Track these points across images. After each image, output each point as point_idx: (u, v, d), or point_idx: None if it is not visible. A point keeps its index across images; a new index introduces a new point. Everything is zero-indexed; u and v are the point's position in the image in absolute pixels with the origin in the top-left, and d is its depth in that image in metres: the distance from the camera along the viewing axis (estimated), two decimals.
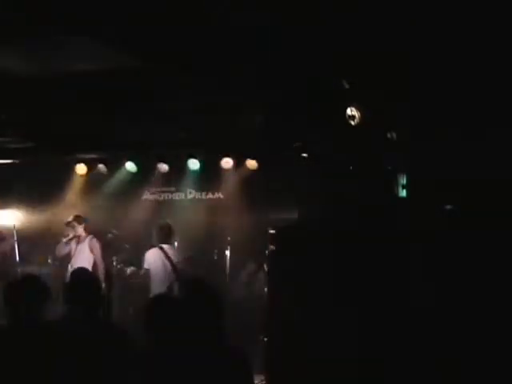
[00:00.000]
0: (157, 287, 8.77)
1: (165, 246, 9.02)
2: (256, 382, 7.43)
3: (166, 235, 9.10)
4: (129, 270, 10.25)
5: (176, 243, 10.02)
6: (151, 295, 8.75)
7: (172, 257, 8.98)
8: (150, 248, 9.05)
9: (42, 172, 10.70)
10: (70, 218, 9.49)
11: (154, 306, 3.99)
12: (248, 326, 8.03)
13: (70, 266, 9.28)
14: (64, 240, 9.51)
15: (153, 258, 8.93)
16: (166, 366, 3.60)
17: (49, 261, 9.91)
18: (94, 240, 9.50)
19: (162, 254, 8.94)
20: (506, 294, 4.57)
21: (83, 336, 4.10)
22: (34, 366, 3.91)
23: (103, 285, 8.67)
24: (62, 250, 9.57)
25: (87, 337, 4.10)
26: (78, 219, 9.52)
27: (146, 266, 8.93)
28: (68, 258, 9.49)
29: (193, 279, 4.97)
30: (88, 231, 9.56)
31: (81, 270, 5.23)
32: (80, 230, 9.50)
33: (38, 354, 3.94)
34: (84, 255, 9.34)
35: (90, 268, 9.07)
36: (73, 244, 9.51)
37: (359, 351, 4.87)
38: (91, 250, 9.44)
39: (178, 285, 8.68)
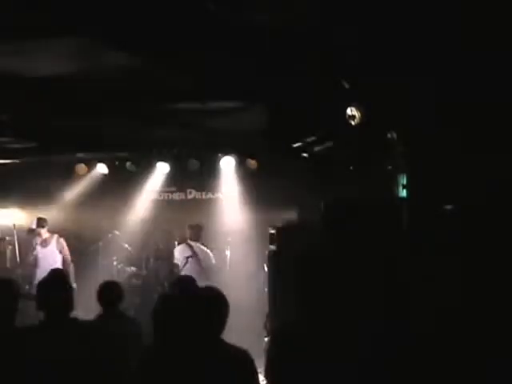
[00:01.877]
0: None
1: (192, 243, 9.49)
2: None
3: (196, 233, 9.61)
4: (129, 270, 10.25)
5: (176, 243, 10.05)
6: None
7: (200, 254, 9.40)
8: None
9: (42, 172, 10.69)
10: (34, 225, 9.43)
11: (162, 305, 4.00)
12: (248, 326, 8.03)
13: (38, 269, 9.19)
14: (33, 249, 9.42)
15: (178, 253, 9.46)
16: (172, 365, 3.61)
17: None
18: (61, 240, 9.47)
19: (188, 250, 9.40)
20: (506, 293, 4.57)
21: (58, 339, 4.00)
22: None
23: (74, 284, 8.81)
24: (29, 258, 9.47)
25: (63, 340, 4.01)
26: (42, 223, 9.45)
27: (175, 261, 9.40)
28: (34, 262, 9.40)
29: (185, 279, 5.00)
30: (50, 231, 9.53)
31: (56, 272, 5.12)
32: (44, 232, 9.45)
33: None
34: (52, 256, 9.27)
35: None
36: (38, 247, 9.41)
37: (360, 351, 4.86)
38: (60, 251, 9.40)
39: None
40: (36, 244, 9.42)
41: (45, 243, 9.44)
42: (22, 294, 4.41)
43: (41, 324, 4.01)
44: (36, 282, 8.79)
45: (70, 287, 4.26)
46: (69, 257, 9.45)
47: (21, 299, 4.34)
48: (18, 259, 9.96)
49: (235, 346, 3.74)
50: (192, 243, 9.56)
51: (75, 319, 4.08)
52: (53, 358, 3.80)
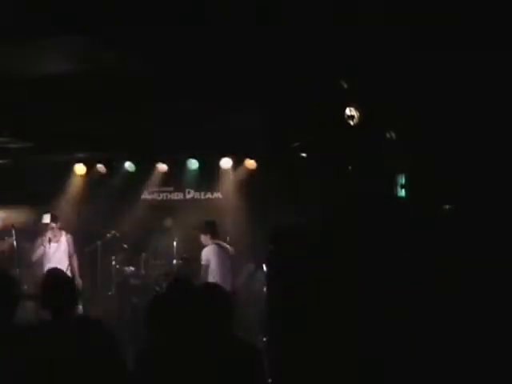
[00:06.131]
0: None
1: (222, 243, 9.15)
2: None
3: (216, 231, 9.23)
4: (128, 269, 10.26)
5: (175, 243, 10.06)
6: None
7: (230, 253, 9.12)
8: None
9: (42, 172, 10.69)
10: (48, 220, 9.38)
11: (158, 304, 4.00)
12: (248, 326, 8.04)
13: (47, 266, 8.98)
14: (43, 245, 9.35)
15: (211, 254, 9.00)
16: (175, 364, 3.62)
17: None
18: (69, 236, 9.53)
19: (220, 251, 9.03)
20: (506, 293, 4.58)
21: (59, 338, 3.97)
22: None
23: (79, 279, 9.13)
24: (38, 252, 9.41)
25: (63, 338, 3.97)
26: (55, 218, 9.45)
27: (204, 262, 8.99)
28: (41, 258, 9.34)
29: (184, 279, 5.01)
30: (60, 227, 9.52)
31: (56, 271, 5.01)
32: (56, 228, 9.45)
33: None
34: (61, 253, 9.32)
35: (67, 264, 9.15)
36: (46, 243, 9.35)
37: (359, 351, 4.87)
38: (68, 246, 9.44)
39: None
40: (45, 240, 9.35)
41: (55, 238, 9.44)
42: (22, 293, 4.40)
43: (46, 323, 4.02)
44: None
45: (74, 286, 4.25)
46: (74, 252, 9.49)
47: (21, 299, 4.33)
48: (17, 259, 9.95)
49: (243, 340, 3.76)
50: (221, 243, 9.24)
51: (80, 317, 4.09)
52: (55, 358, 3.81)
